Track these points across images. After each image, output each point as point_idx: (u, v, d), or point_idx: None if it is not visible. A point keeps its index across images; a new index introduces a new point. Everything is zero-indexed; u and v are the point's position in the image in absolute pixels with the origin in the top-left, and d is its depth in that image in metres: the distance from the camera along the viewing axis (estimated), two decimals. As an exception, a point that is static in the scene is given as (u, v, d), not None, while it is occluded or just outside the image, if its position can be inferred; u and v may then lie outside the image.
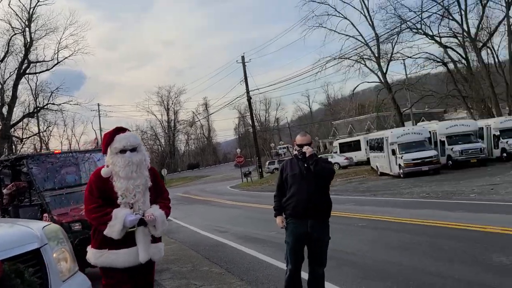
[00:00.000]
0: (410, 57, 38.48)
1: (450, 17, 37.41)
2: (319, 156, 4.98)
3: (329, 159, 26.83)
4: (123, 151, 3.82)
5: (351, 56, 39.84)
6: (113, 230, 3.71)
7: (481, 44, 37.34)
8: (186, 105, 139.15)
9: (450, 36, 38.11)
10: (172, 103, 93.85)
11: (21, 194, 8.36)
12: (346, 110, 43.39)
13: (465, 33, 36.93)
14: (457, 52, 37.83)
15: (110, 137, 3.93)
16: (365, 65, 40.28)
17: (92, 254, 3.88)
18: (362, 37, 39.86)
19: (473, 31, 37.14)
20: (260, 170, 39.64)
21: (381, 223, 10.75)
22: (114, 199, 3.80)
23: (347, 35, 40.25)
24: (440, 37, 38.06)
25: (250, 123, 51.72)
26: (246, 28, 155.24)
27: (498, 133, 26.36)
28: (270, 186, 29.01)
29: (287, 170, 4.78)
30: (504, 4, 36.51)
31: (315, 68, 40.38)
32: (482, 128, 27.24)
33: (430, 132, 26.36)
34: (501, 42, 39.70)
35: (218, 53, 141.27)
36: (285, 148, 71.89)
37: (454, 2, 36.66)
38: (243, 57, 39.04)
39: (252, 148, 75.56)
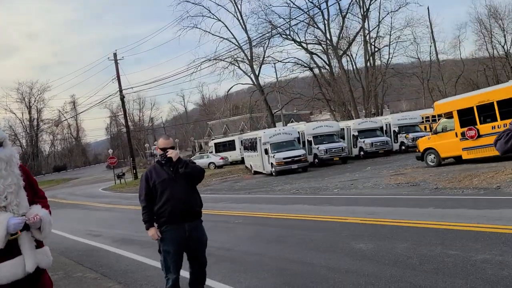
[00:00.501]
0: (280, 61, 40.78)
1: (315, 26, 40.43)
2: (192, 157, 5.07)
3: (205, 159, 27.09)
4: None
5: (226, 58, 40.81)
6: None
7: (341, 52, 40.93)
8: (51, 103, 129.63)
9: (315, 43, 41.15)
10: (35, 101, 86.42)
11: None
12: (221, 111, 44.25)
13: (328, 41, 40.16)
14: (322, 58, 41.05)
15: None
16: (239, 67, 41.60)
17: None
18: (236, 40, 41.08)
19: (335, 39, 40.62)
20: (134, 171, 38.50)
21: (256, 219, 11.27)
22: None
23: (221, 37, 41.16)
24: (307, 43, 40.92)
25: (123, 122, 50.01)
26: (119, 25, 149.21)
27: (356, 133, 29.17)
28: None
29: (153, 178, 4.63)
30: (360, 17, 40.52)
31: (190, 69, 40.60)
32: (343, 129, 29.90)
33: (299, 132, 28.11)
34: (358, 50, 43.95)
35: (88, 50, 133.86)
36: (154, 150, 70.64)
37: (318, 12, 39.64)
38: (115, 54, 37.57)
39: (126, 149, 72.91)
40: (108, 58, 38.52)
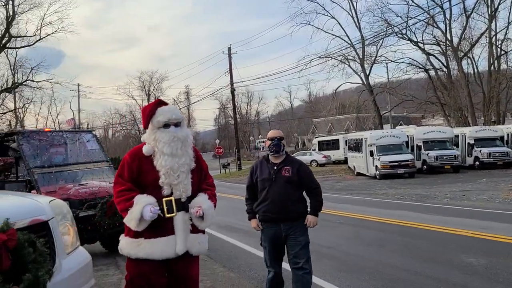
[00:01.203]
0: (394, 61, 39.31)
1: (435, 25, 38.25)
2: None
3: (308, 156, 26.99)
4: (167, 125, 3.40)
5: (336, 56, 40.35)
6: (130, 217, 3.28)
7: (462, 54, 38.26)
8: (167, 92, 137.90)
9: (433, 44, 38.95)
10: (153, 89, 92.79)
11: (7, 170, 8.40)
12: (328, 109, 43.90)
13: (448, 42, 37.79)
14: (439, 60, 38.73)
15: (151, 110, 3.47)
16: (349, 65, 40.88)
17: (127, 244, 3.42)
18: (348, 38, 40.42)
19: (455, 40, 38.07)
20: (239, 163, 39.83)
21: (358, 220, 11.13)
22: (149, 184, 3.37)
23: (333, 35, 40.76)
24: (424, 44, 38.89)
25: (231, 114, 51.95)
26: (232, 20, 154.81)
27: (472, 141, 27.21)
28: (248, 178, 29.24)
29: (257, 173, 4.60)
30: (487, 17, 37.51)
31: (299, 66, 40.80)
32: (458, 136, 28.08)
33: (407, 136, 27.01)
34: (481, 53, 40.95)
35: (202, 43, 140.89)
36: (263, 142, 72.28)
37: (439, 11, 37.46)
38: (229, 49, 39.08)
39: (231, 140, 75.69)
40: (223, 52, 40.22)
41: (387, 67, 42.45)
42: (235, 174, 36.12)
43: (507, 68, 39.33)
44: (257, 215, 4.62)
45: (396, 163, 24.06)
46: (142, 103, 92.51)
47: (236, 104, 51.31)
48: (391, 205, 13.93)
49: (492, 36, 37.49)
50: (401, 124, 48.61)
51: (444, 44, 38.12)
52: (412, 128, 32.93)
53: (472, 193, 15.96)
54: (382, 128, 37.40)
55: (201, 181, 3.58)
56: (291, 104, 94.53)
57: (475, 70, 40.40)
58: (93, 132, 8.79)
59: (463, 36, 38.41)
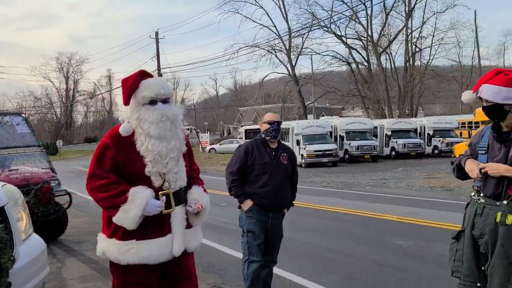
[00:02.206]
0: (319, 54, 40.65)
1: (357, 21, 40.05)
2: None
3: (235, 144, 26.98)
4: (153, 101, 2.81)
5: (264, 46, 40.91)
6: (126, 216, 2.70)
7: (381, 50, 40.46)
8: (88, 75, 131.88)
9: (355, 39, 40.82)
10: (72, 72, 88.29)
11: None
12: (254, 98, 44.48)
13: (369, 37, 39.75)
14: (361, 54, 40.68)
15: (133, 82, 2.84)
16: (276, 56, 41.69)
17: (115, 248, 2.80)
18: (276, 28, 41.14)
19: (376, 36, 40.17)
20: (164, 149, 39.20)
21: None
22: (140, 174, 2.80)
23: (261, 25, 41.31)
24: (347, 38, 40.60)
25: (156, 101, 50.42)
26: (158, 2, 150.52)
27: (389, 133, 28.99)
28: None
29: (254, 155, 4.31)
30: (404, 15, 39.90)
31: (227, 54, 40.92)
32: (377, 127, 29.76)
33: (331, 126, 28.14)
34: (398, 49, 43.32)
35: (126, 25, 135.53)
36: (188, 129, 71.57)
37: (362, 7, 39.22)
38: (156, 33, 38.14)
39: (155, 127, 74.00)
40: (150, 36, 39.15)
41: (311, 59, 43.80)
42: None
43: (420, 64, 42.24)
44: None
45: (320, 152, 25.01)
46: (60, 86, 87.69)
47: (161, 90, 50.15)
48: (319, 193, 14.51)
49: (408, 33, 40.00)
50: (323, 115, 50.49)
51: (365, 39, 40.07)
52: (335, 119, 34.32)
53: (391, 181, 17.06)
54: (306, 118, 38.63)
55: (191, 169, 3.08)
56: (217, 92, 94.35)
57: (393, 65, 42.97)
58: (23, 115, 8.26)
59: (383, 32, 40.63)
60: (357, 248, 6.83)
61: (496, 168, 2.90)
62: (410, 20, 40.07)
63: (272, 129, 4.33)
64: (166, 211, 2.82)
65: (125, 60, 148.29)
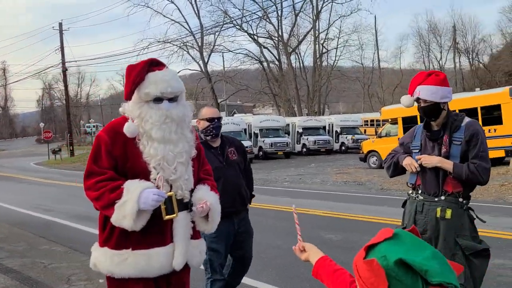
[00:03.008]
0: (231, 51, 40.90)
1: (268, 21, 40.95)
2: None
3: None
4: (158, 99, 2.44)
5: (175, 42, 40.27)
6: (123, 213, 2.32)
7: (291, 49, 41.77)
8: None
9: (267, 38, 41.67)
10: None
11: None
12: (166, 94, 43.55)
13: (279, 37, 40.82)
14: (272, 53, 41.63)
15: (138, 74, 2.45)
16: (188, 52, 41.22)
17: (108, 259, 2.46)
18: (188, 24, 40.66)
19: (286, 36, 41.36)
20: (71, 148, 37.03)
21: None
22: (139, 173, 2.45)
23: (173, 20, 40.58)
24: (258, 36, 41.34)
25: (58, 96, 47.77)
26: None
27: (301, 130, 30.05)
28: (84, 165, 27.51)
29: None
30: (313, 17, 41.56)
31: (136, 50, 39.70)
32: (289, 124, 30.70)
33: (246, 124, 28.49)
34: (307, 49, 45.06)
35: (25, 15, 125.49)
36: (95, 126, 68.36)
37: (273, 9, 40.17)
38: (60, 24, 35.77)
39: (59, 124, 69.82)
40: (53, 27, 36.68)
41: (223, 56, 44.04)
42: (67, 161, 33.52)
43: (327, 64, 44.28)
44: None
45: (236, 150, 25.19)
46: None
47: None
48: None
49: (316, 35, 41.69)
50: (235, 113, 50.91)
51: (276, 38, 41.10)
52: (250, 116, 34.80)
53: (306, 176, 17.71)
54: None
55: (199, 168, 2.75)
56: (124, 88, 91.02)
57: (302, 65, 44.55)
58: None
59: (292, 32, 42.01)
60: (290, 243, 6.99)
61: (430, 159, 3.11)
62: (317, 22, 41.82)
63: (212, 127, 3.84)
64: (167, 216, 2.44)
65: (24, 52, 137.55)
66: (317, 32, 41.95)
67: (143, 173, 2.44)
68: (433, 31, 50.26)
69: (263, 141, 27.73)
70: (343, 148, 30.34)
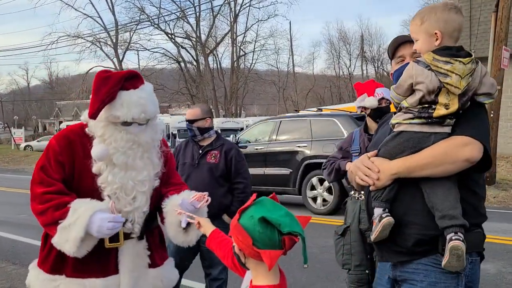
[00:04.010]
0: (148, 50, 40.06)
1: (186, 20, 40.63)
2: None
3: None
4: (127, 123, 2.15)
5: (88, 37, 38.59)
6: (66, 237, 2.04)
7: (208, 51, 41.80)
8: None
9: (185, 38, 41.31)
10: None
11: None
12: (76, 92, 41.46)
13: (197, 38, 40.68)
14: (190, 54, 41.35)
15: (110, 92, 2.10)
16: (101, 49, 39.70)
17: (39, 282, 2.22)
18: (102, 20, 39.16)
19: (204, 37, 41.29)
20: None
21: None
22: (86, 191, 2.18)
23: (85, 14, 38.85)
24: (175, 36, 40.85)
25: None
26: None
27: (219, 131, 30.03)
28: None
29: (179, 156, 3.88)
30: (231, 20, 41.97)
31: (44, 43, 37.54)
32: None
33: (164, 124, 28.08)
34: (224, 51, 45.37)
35: None
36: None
37: (191, 9, 39.96)
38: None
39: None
40: None
41: (138, 54, 42.91)
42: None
43: (244, 67, 44.91)
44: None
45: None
46: None
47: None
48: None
49: (234, 38, 42.13)
50: (150, 112, 49.81)
51: (194, 39, 40.90)
52: (167, 116, 34.28)
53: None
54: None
55: (165, 184, 2.41)
56: (28, 84, 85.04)
57: (219, 66, 44.73)
58: None
59: (210, 34, 42.02)
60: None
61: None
62: (235, 25, 42.28)
63: (188, 128, 3.80)
64: (110, 245, 2.13)
65: None
66: (235, 34, 42.40)
67: (93, 197, 2.15)
68: (343, 39, 53.03)
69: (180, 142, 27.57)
70: (260, 149, 30.98)
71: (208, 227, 2.02)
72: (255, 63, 45.25)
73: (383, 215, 1.83)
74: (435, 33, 1.82)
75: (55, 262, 2.19)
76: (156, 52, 40.16)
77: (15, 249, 6.96)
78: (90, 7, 47.35)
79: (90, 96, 2.15)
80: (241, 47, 43.04)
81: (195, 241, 2.34)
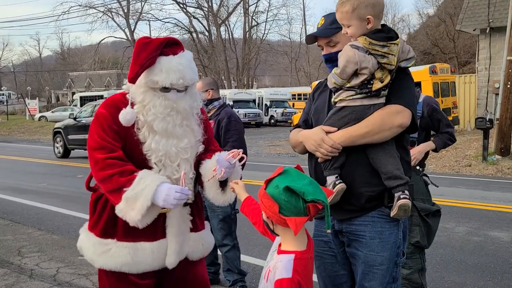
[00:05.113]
0: (160, 20, 39.85)
1: (198, -11, 40.14)
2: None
3: (70, 112, 24.32)
4: (166, 88, 2.14)
5: (99, 7, 38.40)
6: (132, 206, 2.05)
7: (220, 21, 41.39)
8: None
9: (196, 8, 40.91)
10: None
11: None
12: (89, 63, 41.58)
13: (209, 8, 40.24)
14: (202, 24, 40.99)
15: (148, 58, 2.10)
16: (113, 19, 39.54)
17: (91, 246, 2.25)
18: (113, -11, 38.76)
19: (216, 7, 40.84)
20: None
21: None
22: (138, 166, 2.17)
23: (97, -17, 38.51)
24: (186, 6, 40.46)
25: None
26: None
27: (231, 103, 30.11)
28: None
29: None
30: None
31: (56, 14, 37.41)
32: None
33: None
34: (236, 22, 44.94)
35: None
36: (3, 95, 63.69)
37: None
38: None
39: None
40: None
41: (149, 24, 42.76)
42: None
43: (257, 37, 44.48)
44: None
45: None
46: None
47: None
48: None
49: (246, 7, 41.60)
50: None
51: (206, 9, 40.47)
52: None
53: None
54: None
55: (205, 151, 2.40)
56: (40, 54, 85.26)
57: (231, 37, 44.37)
58: None
59: (222, 4, 41.53)
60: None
61: (417, 155, 3.49)
62: (248, -7, 41.68)
63: None
64: (160, 210, 2.17)
65: None
66: (247, 4, 41.88)
67: (142, 167, 2.16)
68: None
69: (238, 112, 28.10)
70: (272, 121, 31.04)
71: (242, 193, 2.10)
72: (267, 34, 44.89)
73: (337, 182, 2.02)
74: (368, 18, 1.96)
75: (105, 226, 2.22)
76: (167, 22, 39.98)
77: (39, 216, 7.21)
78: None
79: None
80: (253, 17, 42.55)
81: (233, 199, 2.38)
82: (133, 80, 2.14)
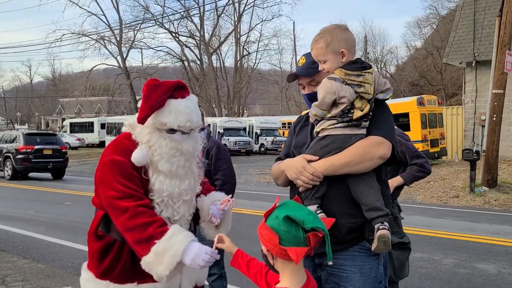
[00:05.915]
0: (152, 48, 40.19)
1: (190, 19, 40.79)
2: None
3: (61, 138, 24.29)
4: (172, 130, 2.19)
5: (92, 35, 38.76)
6: (160, 260, 2.01)
7: (212, 50, 41.95)
8: None
9: (188, 37, 41.47)
10: None
11: None
12: (80, 89, 41.64)
13: (201, 37, 40.83)
14: (194, 52, 41.50)
15: (158, 100, 2.15)
16: (105, 47, 39.85)
17: (91, 285, 2.26)
18: (106, 18, 39.37)
19: (207, 36, 41.45)
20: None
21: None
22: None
23: (89, 12, 39.03)
24: (179, 35, 41.01)
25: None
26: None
27: (222, 131, 30.35)
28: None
29: None
30: (234, 19, 42.10)
31: (48, 41, 37.74)
32: (209, 125, 30.92)
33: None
34: (228, 51, 45.54)
35: None
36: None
37: (195, 6, 40.10)
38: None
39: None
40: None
41: (141, 53, 43.03)
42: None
43: (247, 67, 45.06)
44: None
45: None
46: None
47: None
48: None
49: (238, 37, 42.27)
50: (153, 110, 49.98)
51: (198, 38, 41.05)
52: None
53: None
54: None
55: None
56: (31, 80, 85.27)
57: (222, 65, 44.90)
58: None
59: (214, 33, 42.17)
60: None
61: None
62: (239, 24, 42.43)
63: None
64: None
65: None
66: (238, 34, 42.55)
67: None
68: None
69: (228, 140, 28.78)
70: (263, 149, 31.15)
71: (231, 248, 2.05)
72: (258, 63, 45.52)
73: (317, 212, 2.02)
74: (342, 52, 2.06)
75: (123, 271, 2.20)
76: (160, 50, 40.42)
77: (25, 244, 7.10)
78: (94, 5, 47.57)
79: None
80: (245, 47, 43.17)
81: (226, 233, 2.36)
82: (142, 121, 2.15)
